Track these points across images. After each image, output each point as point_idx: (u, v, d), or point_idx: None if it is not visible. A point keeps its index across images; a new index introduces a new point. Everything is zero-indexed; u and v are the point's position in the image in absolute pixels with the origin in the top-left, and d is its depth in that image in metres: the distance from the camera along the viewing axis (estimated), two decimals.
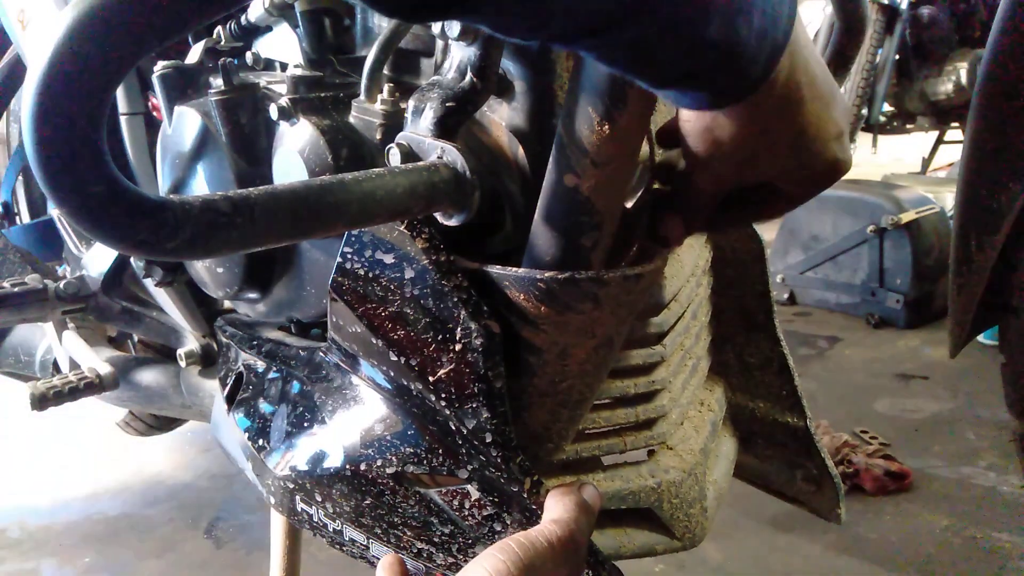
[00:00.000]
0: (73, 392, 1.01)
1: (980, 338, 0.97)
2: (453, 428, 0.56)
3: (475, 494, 0.57)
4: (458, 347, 0.53)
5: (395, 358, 0.58)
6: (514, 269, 0.52)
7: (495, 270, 0.53)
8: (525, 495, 0.54)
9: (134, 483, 1.80)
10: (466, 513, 0.57)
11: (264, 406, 0.74)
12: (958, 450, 1.68)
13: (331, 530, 0.65)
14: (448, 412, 0.56)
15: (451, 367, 0.54)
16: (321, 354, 0.70)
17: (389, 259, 0.56)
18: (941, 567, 1.31)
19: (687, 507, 0.66)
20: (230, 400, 0.80)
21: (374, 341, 0.59)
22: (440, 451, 0.57)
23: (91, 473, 1.85)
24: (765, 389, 0.81)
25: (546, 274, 0.50)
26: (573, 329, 0.53)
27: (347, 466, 0.61)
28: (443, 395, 0.55)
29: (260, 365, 0.79)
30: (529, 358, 0.54)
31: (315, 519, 0.66)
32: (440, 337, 0.54)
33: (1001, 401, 0.96)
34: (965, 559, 1.32)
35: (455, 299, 0.53)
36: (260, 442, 0.72)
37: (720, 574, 1.37)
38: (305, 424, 0.67)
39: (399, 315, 0.56)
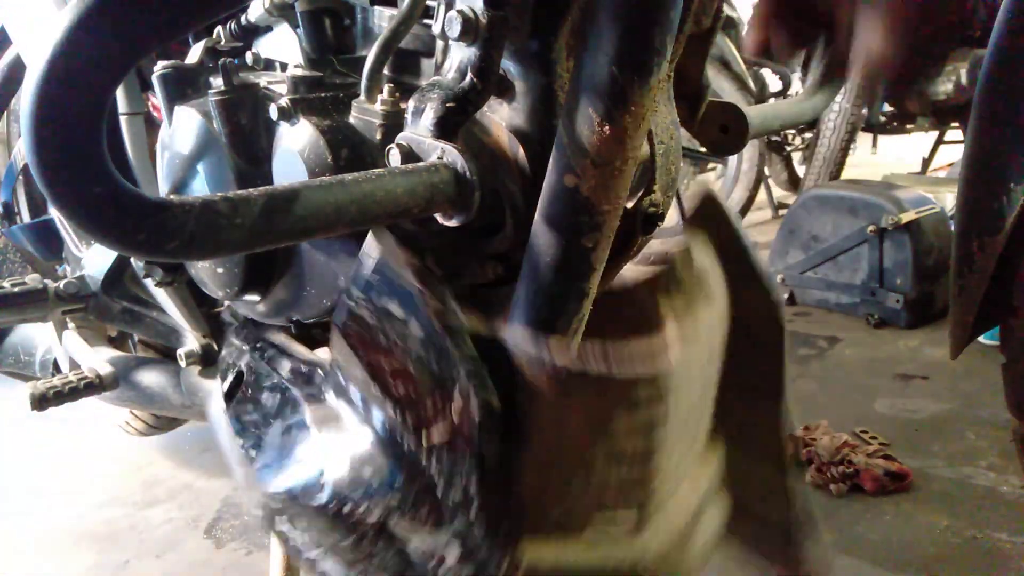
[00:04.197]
0: (73, 392, 1.01)
1: (981, 338, 0.97)
2: (439, 492, 0.55)
3: (451, 559, 0.55)
4: (456, 417, 0.52)
5: (391, 412, 0.56)
6: (526, 344, 0.51)
7: (507, 340, 0.51)
8: (503, 570, 0.53)
9: (134, 483, 1.80)
10: (440, 575, 0.56)
11: (259, 415, 0.74)
12: (958, 450, 1.68)
13: (306, 557, 0.64)
14: (436, 477, 0.54)
15: (446, 435, 0.53)
16: (321, 375, 0.68)
17: (399, 312, 0.54)
18: (941, 567, 1.31)
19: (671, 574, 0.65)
20: (229, 396, 0.80)
21: (373, 390, 0.57)
22: (425, 508, 0.56)
23: (91, 473, 1.85)
24: (764, 458, 0.79)
25: (556, 360, 0.49)
26: (575, 413, 0.52)
27: (331, 504, 0.60)
28: (435, 460, 0.54)
29: (261, 369, 0.79)
30: (528, 428, 0.53)
31: (293, 542, 0.65)
32: (439, 403, 0.53)
33: (1001, 401, 0.96)
34: (965, 559, 1.32)
35: (460, 369, 0.51)
36: (252, 452, 0.71)
37: (720, 574, 1.37)
38: (296, 447, 0.66)
39: (401, 371, 0.55)
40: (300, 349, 0.78)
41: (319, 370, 0.69)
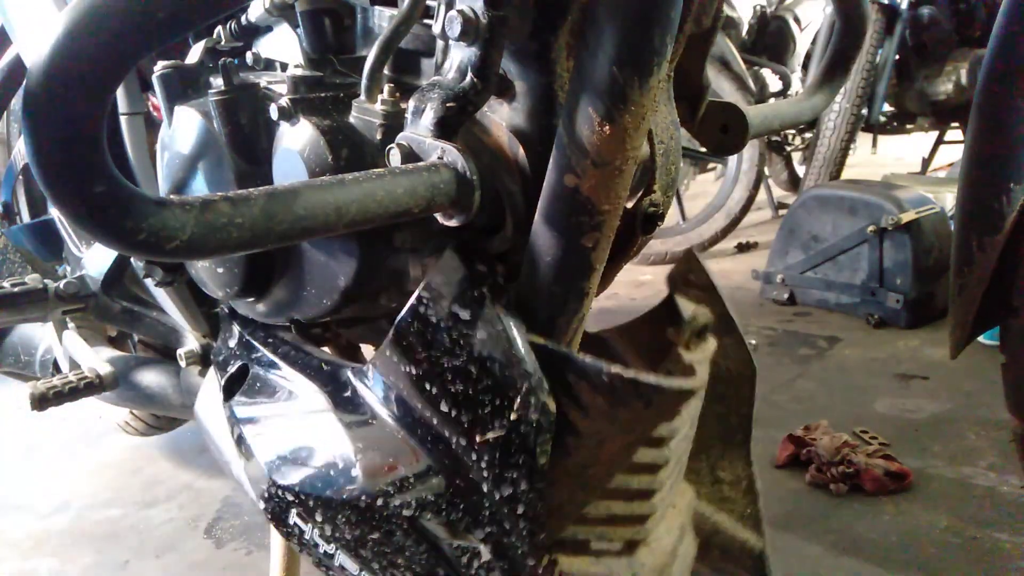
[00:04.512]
0: (73, 392, 1.01)
1: (980, 338, 0.97)
2: (485, 490, 0.56)
3: (486, 556, 0.57)
4: (513, 416, 0.54)
5: (445, 409, 0.58)
6: (583, 356, 0.52)
7: (564, 351, 0.53)
8: (540, 571, 0.55)
9: (134, 483, 1.80)
10: (473, 572, 0.58)
11: (272, 409, 0.74)
12: (958, 450, 1.67)
13: (322, 552, 0.65)
14: (486, 475, 0.56)
15: (501, 433, 0.55)
16: (349, 374, 0.69)
17: (465, 315, 0.56)
18: (941, 567, 1.31)
19: None
20: (228, 391, 0.79)
21: (428, 387, 0.59)
22: (461, 506, 0.58)
23: (90, 473, 1.85)
24: (730, 505, 0.82)
25: (612, 369, 0.50)
26: (618, 423, 0.54)
27: (363, 497, 0.61)
28: (485, 458, 0.56)
29: (273, 364, 0.78)
30: (568, 439, 0.55)
31: (307, 537, 0.66)
32: (497, 403, 0.55)
33: (1001, 401, 0.96)
34: (965, 559, 1.32)
35: (521, 370, 0.53)
36: (261, 446, 0.71)
37: (720, 574, 1.37)
38: (320, 442, 0.67)
39: (461, 370, 0.57)
40: (315, 349, 0.79)
41: (344, 370, 0.70)
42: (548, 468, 0.55)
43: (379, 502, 0.60)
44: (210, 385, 0.85)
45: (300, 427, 0.70)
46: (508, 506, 0.55)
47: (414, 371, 0.60)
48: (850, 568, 1.33)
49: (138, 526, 1.61)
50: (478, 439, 0.56)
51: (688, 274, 0.74)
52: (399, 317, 0.59)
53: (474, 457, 0.56)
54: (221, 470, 1.68)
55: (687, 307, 0.69)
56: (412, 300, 0.59)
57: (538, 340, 0.54)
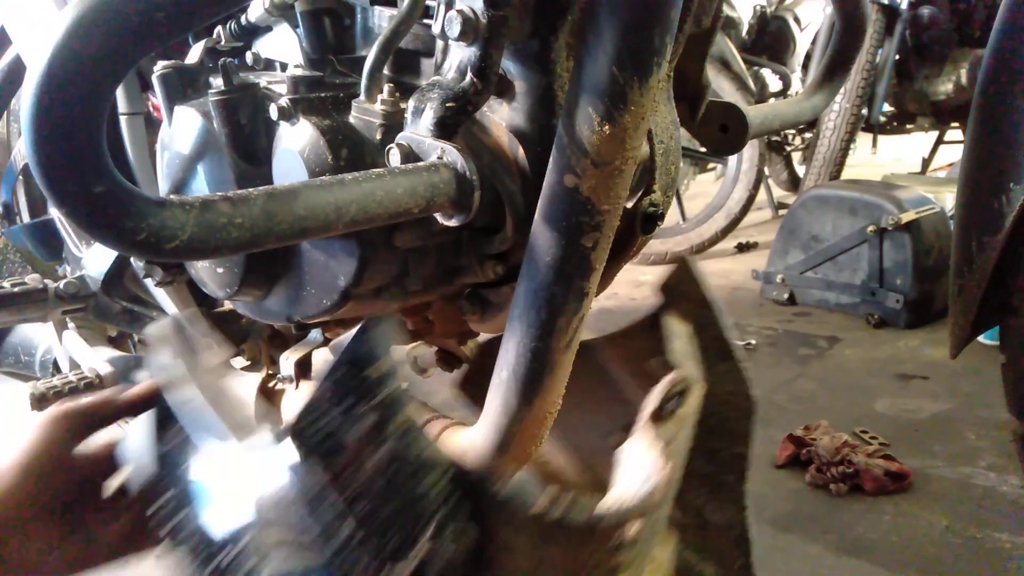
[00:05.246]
0: (73, 392, 1.01)
1: (980, 338, 0.96)
2: None
3: None
4: (424, 555, 0.48)
5: (347, 531, 0.50)
6: (503, 490, 0.47)
7: (486, 481, 0.48)
8: None
9: None
10: None
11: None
12: (958, 450, 1.67)
13: None
14: None
15: (411, 570, 0.48)
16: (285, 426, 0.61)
17: (372, 419, 0.48)
18: (941, 567, 1.31)
19: None
20: None
21: (334, 500, 0.51)
22: None
23: None
24: (718, 556, 0.73)
25: (534, 509, 0.46)
26: (554, 546, 0.50)
27: None
28: None
29: None
30: (501, 555, 0.50)
31: None
32: (406, 535, 0.48)
33: (1001, 401, 0.96)
34: (965, 559, 1.32)
35: (435, 499, 0.47)
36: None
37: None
38: (240, 501, 0.58)
39: (367, 488, 0.49)
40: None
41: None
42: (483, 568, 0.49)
43: None
44: None
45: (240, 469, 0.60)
46: None
47: (317, 478, 0.51)
48: (850, 568, 1.33)
49: None
50: (384, 571, 0.48)
51: (681, 285, 0.67)
52: (297, 414, 0.50)
53: None
54: None
55: (674, 330, 0.64)
56: (317, 390, 0.50)
57: (456, 462, 0.48)
